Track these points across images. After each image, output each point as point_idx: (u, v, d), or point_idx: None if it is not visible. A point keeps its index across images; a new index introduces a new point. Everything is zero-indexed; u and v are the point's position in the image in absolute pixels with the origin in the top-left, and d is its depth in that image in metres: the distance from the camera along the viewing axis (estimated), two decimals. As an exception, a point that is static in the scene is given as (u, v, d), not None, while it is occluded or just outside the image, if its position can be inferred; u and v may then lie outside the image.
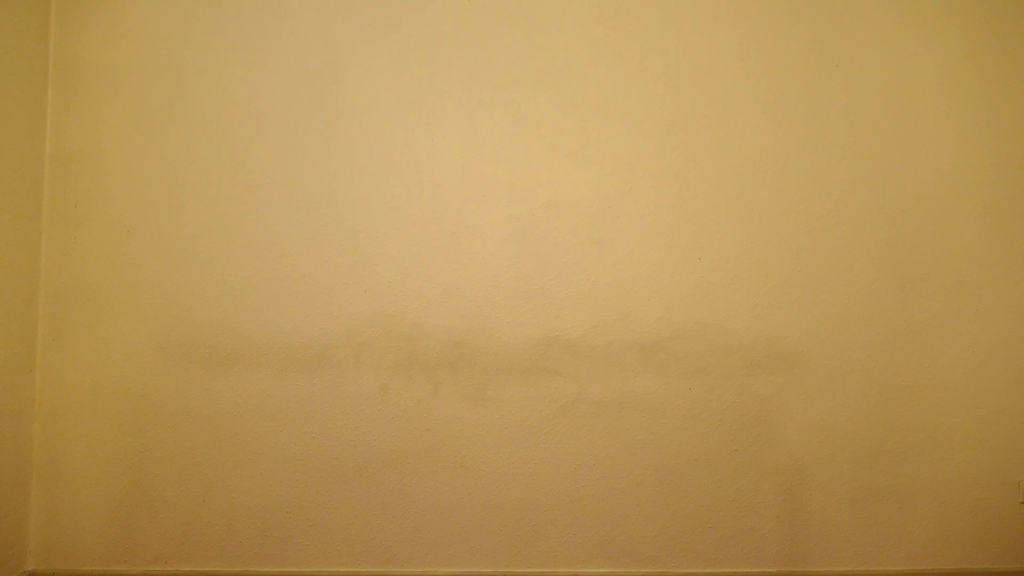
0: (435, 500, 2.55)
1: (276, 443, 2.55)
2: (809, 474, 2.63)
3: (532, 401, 2.58)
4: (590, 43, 2.64)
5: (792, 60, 2.66)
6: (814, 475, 2.63)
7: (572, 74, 2.62)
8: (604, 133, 2.63)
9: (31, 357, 2.50)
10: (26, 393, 2.48)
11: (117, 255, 2.54)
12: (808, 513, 2.63)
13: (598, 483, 2.60)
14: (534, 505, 2.58)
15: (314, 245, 2.57)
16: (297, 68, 2.59)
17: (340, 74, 2.60)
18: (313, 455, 2.55)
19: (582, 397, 2.58)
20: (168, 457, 2.54)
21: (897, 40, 2.68)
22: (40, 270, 2.53)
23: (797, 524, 2.62)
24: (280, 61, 2.58)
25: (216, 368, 2.54)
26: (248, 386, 2.54)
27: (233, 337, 2.54)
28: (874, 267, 2.65)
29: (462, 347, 2.56)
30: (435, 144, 2.58)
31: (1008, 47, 2.69)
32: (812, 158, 2.65)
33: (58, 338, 2.54)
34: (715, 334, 2.61)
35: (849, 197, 2.65)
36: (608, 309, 2.59)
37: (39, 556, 2.53)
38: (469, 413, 2.57)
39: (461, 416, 2.57)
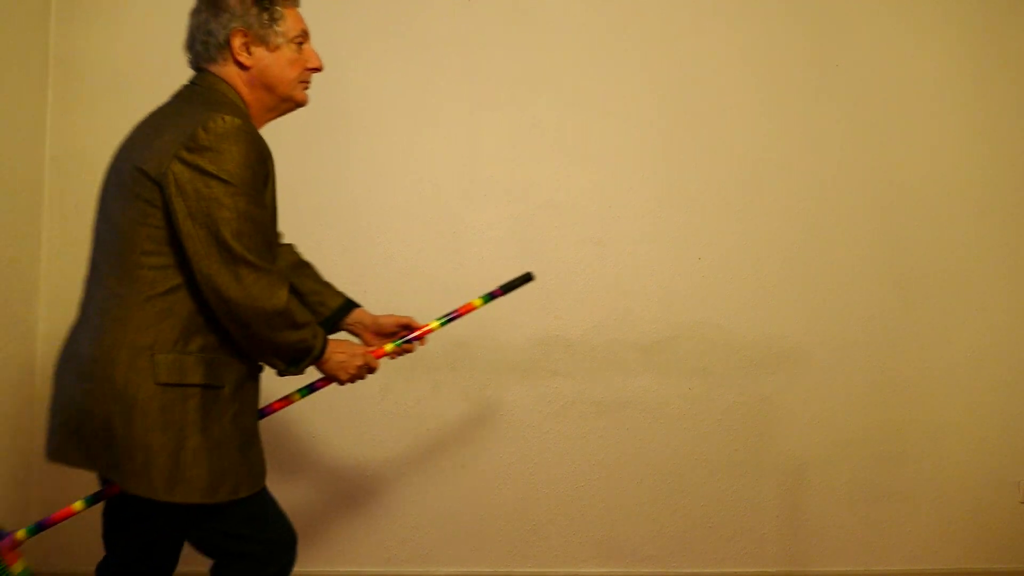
0: (435, 500, 2.55)
1: (276, 443, 2.55)
2: (809, 474, 2.63)
3: (532, 401, 2.58)
4: (590, 43, 2.64)
5: (792, 60, 2.66)
6: (814, 475, 2.63)
7: (572, 74, 2.62)
8: (604, 133, 2.63)
9: (31, 357, 2.50)
10: (26, 393, 2.48)
11: (117, 255, 2.54)
12: (808, 513, 2.63)
13: (598, 483, 2.60)
14: (534, 505, 2.58)
15: (314, 245, 2.56)
16: (297, 68, 2.58)
17: (342, 74, 2.59)
18: (313, 455, 2.55)
19: (582, 397, 2.57)
20: (168, 457, 2.54)
21: (897, 40, 2.68)
22: (40, 270, 2.53)
23: (797, 524, 2.62)
24: (280, 61, 2.58)
25: (216, 368, 2.54)
26: (248, 386, 2.54)
27: (233, 337, 2.54)
28: (874, 267, 2.65)
29: (463, 347, 2.56)
30: (435, 144, 2.58)
31: (1008, 47, 2.69)
32: (812, 158, 2.65)
33: (58, 338, 2.52)
34: (715, 334, 2.60)
35: (849, 196, 2.65)
36: (608, 309, 2.59)
37: (39, 556, 2.53)
38: (469, 413, 2.57)
39: (461, 416, 2.57)
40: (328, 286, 1.73)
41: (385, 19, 2.60)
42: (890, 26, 2.68)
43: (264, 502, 1.51)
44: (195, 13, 1.50)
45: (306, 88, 1.53)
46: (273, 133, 2.57)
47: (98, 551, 2.63)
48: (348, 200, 2.57)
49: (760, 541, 2.62)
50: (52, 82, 2.54)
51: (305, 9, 2.59)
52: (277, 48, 1.44)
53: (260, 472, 1.48)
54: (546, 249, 2.61)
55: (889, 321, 2.64)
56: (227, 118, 1.34)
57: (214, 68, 1.48)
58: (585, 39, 2.64)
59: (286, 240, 1.85)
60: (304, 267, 1.74)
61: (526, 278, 1.85)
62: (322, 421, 2.55)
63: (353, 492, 2.55)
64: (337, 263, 2.56)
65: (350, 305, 1.72)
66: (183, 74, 2.59)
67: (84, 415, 1.36)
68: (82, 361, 1.38)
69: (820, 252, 2.64)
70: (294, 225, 2.56)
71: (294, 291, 1.59)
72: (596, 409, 2.58)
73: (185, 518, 1.43)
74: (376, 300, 2.58)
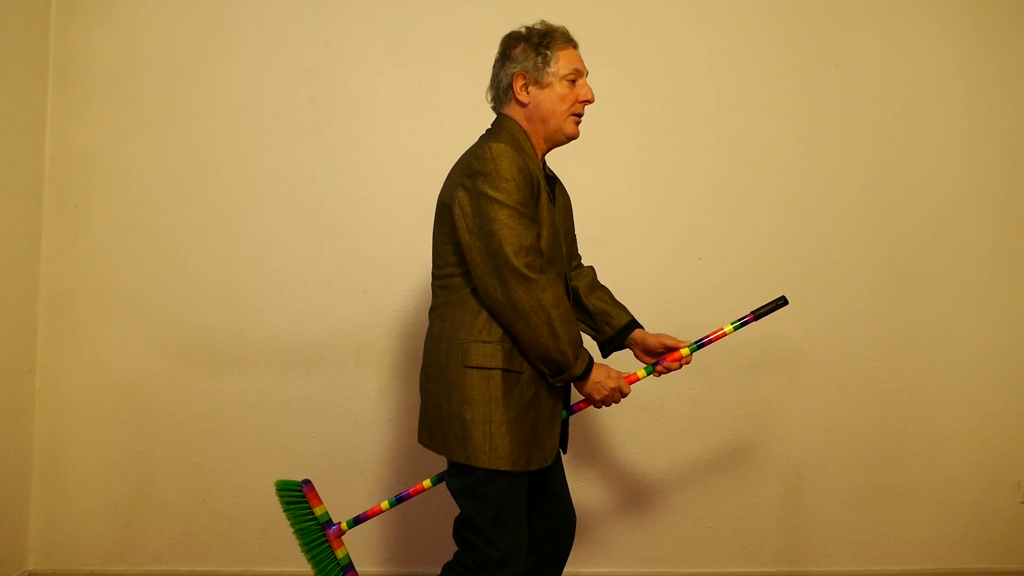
0: (435, 500, 2.55)
1: (276, 443, 2.55)
2: (809, 474, 2.63)
3: (532, 401, 2.57)
4: (589, 43, 2.62)
5: (792, 60, 2.66)
6: (814, 475, 2.63)
7: (572, 74, 2.61)
8: (604, 133, 2.62)
9: (31, 357, 2.50)
10: (26, 393, 2.48)
11: (117, 255, 2.54)
12: (808, 513, 2.63)
13: (598, 483, 2.60)
14: (534, 505, 2.57)
15: (314, 245, 2.57)
16: (297, 68, 2.58)
17: (340, 74, 2.60)
18: (313, 455, 2.55)
19: (582, 397, 2.57)
20: (168, 457, 2.54)
21: (897, 40, 2.68)
22: (40, 270, 2.53)
23: (797, 524, 2.62)
24: (280, 61, 2.58)
25: (216, 368, 2.54)
26: (248, 386, 2.54)
27: (233, 337, 2.54)
28: (874, 267, 2.65)
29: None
30: (435, 144, 2.58)
31: (1009, 47, 2.69)
32: (812, 158, 2.65)
33: (58, 338, 2.54)
34: (715, 334, 2.60)
35: (849, 197, 2.65)
36: (608, 309, 2.58)
37: (39, 556, 2.53)
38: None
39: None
40: (619, 307, 1.89)
41: (385, 19, 2.60)
42: (890, 26, 2.68)
43: (519, 510, 1.62)
44: (494, 65, 1.78)
45: (577, 122, 1.75)
46: (272, 132, 2.58)
47: (98, 551, 2.63)
48: (347, 200, 2.57)
49: (760, 541, 2.62)
50: (52, 82, 2.54)
51: (303, 8, 2.60)
52: (549, 86, 1.69)
53: (549, 449, 1.65)
54: (546, 249, 2.60)
55: (889, 321, 2.64)
56: (494, 145, 1.59)
57: (504, 109, 1.75)
58: (585, 39, 2.63)
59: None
60: (598, 289, 1.91)
61: (780, 302, 1.81)
62: (322, 421, 2.55)
63: (353, 492, 2.55)
64: (337, 263, 2.57)
65: (633, 324, 1.86)
66: (182, 74, 2.60)
67: (424, 395, 1.69)
68: (423, 353, 1.71)
69: (820, 252, 2.64)
70: (293, 224, 2.57)
71: (585, 311, 1.87)
72: (596, 409, 2.58)
73: (472, 488, 1.60)
74: (376, 300, 2.60)
